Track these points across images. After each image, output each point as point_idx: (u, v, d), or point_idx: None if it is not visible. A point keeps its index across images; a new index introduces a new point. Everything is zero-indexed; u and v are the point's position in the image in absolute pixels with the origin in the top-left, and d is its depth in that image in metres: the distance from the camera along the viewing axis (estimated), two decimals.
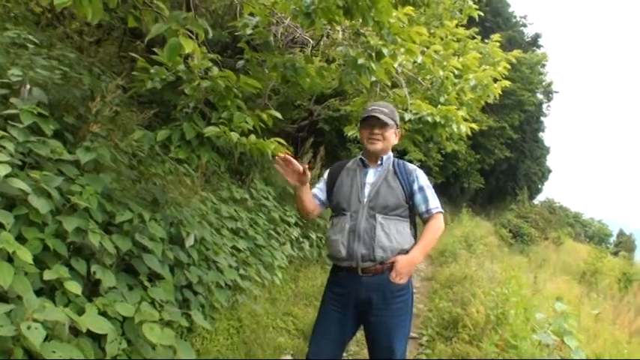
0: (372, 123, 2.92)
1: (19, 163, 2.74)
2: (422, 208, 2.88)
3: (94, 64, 5.16)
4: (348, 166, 3.07)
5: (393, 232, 2.78)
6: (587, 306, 9.60)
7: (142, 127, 4.76)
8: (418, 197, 2.89)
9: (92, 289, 2.80)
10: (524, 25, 30.18)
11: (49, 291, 2.58)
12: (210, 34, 2.91)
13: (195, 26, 2.51)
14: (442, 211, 2.93)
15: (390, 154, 3.04)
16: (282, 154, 2.91)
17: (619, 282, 16.43)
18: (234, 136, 3.15)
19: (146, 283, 2.96)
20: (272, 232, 5.82)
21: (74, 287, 2.46)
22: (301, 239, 6.81)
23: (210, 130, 3.15)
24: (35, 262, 2.45)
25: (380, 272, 2.78)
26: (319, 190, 3.12)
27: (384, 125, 2.90)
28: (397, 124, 3.00)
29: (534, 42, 30.27)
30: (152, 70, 3.47)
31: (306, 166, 2.86)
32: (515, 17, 29.51)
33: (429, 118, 4.87)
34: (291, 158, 2.87)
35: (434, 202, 2.89)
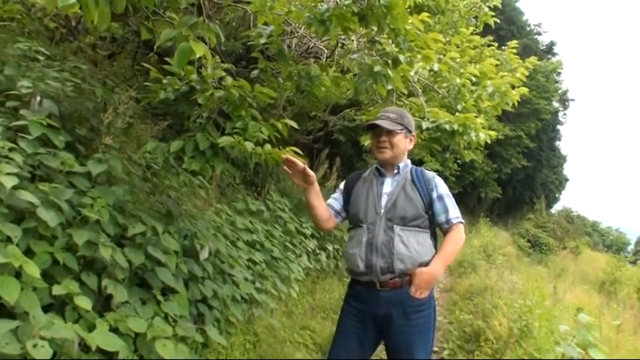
0: (378, 130, 2.81)
1: (28, 175, 2.68)
2: (442, 218, 2.75)
3: (108, 77, 5.14)
4: (365, 176, 2.96)
5: (412, 244, 2.66)
6: (608, 316, 9.38)
7: (156, 139, 4.72)
8: (437, 206, 2.75)
9: (104, 304, 2.72)
10: (539, 34, 30.05)
11: (59, 306, 2.50)
12: (223, 39, 2.84)
13: (206, 31, 2.44)
14: (462, 221, 2.79)
15: (408, 161, 2.91)
16: (285, 156, 2.82)
17: (638, 291, 16.10)
18: (249, 145, 3.07)
19: (159, 298, 2.87)
20: (288, 244, 5.73)
21: (84, 302, 2.38)
22: (318, 251, 6.70)
23: (224, 140, 3.07)
24: (45, 277, 2.38)
25: (399, 286, 2.66)
26: (334, 199, 3.02)
27: (389, 132, 2.78)
28: (409, 129, 2.86)
29: (549, 50, 30.07)
30: (165, 81, 3.42)
31: (305, 164, 2.78)
32: (529, 25, 29.36)
33: (447, 126, 4.75)
34: (294, 159, 2.79)
35: (454, 212, 2.75)
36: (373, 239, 2.69)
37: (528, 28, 29.00)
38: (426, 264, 2.67)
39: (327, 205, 2.99)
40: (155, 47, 2.70)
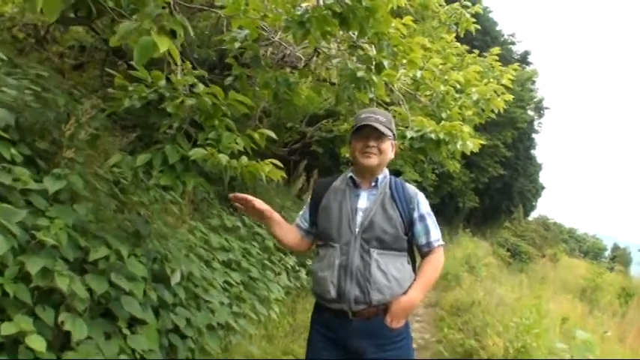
0: (365, 133, 2.46)
1: None
2: (422, 240, 2.47)
3: (75, 87, 4.83)
4: (336, 185, 2.58)
5: (390, 271, 2.36)
6: (592, 324, 9.29)
7: (125, 152, 4.42)
8: (418, 227, 2.47)
9: (63, 340, 2.41)
10: (513, 43, 30.21)
11: (11, 345, 2.19)
12: (192, 32, 2.56)
13: (172, 24, 2.15)
14: (443, 243, 2.52)
15: (386, 172, 2.58)
16: (232, 195, 2.52)
17: (619, 297, 16.13)
18: (223, 158, 2.78)
19: (125, 331, 2.56)
20: (267, 262, 5.45)
21: (38, 343, 2.09)
22: (297, 268, 6.43)
23: (196, 153, 2.79)
24: None
25: (373, 315, 2.37)
26: (302, 219, 2.68)
27: (380, 136, 2.45)
28: (394, 135, 2.56)
29: (524, 59, 30.25)
30: (131, 88, 3.12)
31: (252, 198, 2.50)
32: (503, 35, 29.54)
33: (433, 136, 4.52)
34: (245, 195, 2.49)
35: (435, 234, 2.48)
36: (347, 262, 2.37)
37: (502, 39, 29.18)
38: (405, 292, 2.40)
39: (295, 227, 2.68)
40: (110, 43, 2.39)
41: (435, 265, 2.47)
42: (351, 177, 2.54)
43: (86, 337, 2.39)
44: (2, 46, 5.03)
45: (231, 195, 2.53)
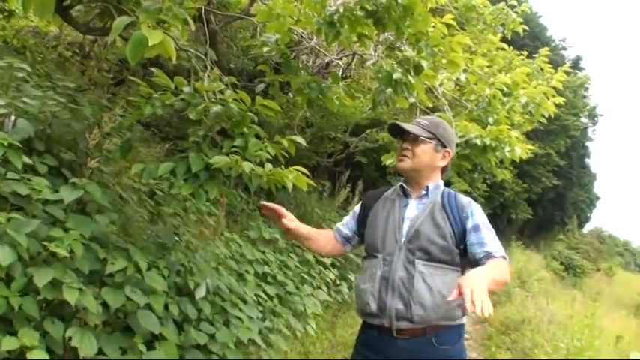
0: (403, 137, 2.31)
1: None
2: (478, 251, 2.12)
3: (111, 100, 4.81)
4: (387, 196, 2.40)
5: (437, 284, 2.09)
6: None
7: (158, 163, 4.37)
8: (473, 239, 2.15)
9: (75, 355, 2.28)
10: (564, 49, 29.48)
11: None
12: (192, 24, 2.41)
13: (171, 18, 2.00)
14: (506, 256, 2.16)
15: (440, 182, 2.34)
16: (262, 203, 2.39)
17: None
18: (247, 166, 2.62)
19: (140, 347, 2.42)
20: (305, 276, 5.26)
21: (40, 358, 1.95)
22: (339, 282, 6.19)
23: (218, 160, 2.64)
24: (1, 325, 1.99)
25: (420, 334, 2.11)
26: (343, 225, 2.52)
27: (415, 139, 2.25)
28: (442, 141, 2.29)
29: (576, 65, 29.37)
30: (155, 95, 3.01)
31: (282, 211, 2.36)
32: (554, 41, 28.80)
33: (478, 141, 4.26)
34: (275, 206, 2.35)
35: (494, 246, 2.12)
36: (390, 273, 2.15)
37: (553, 44, 28.43)
38: (454, 315, 2.13)
39: (332, 231, 2.53)
40: (109, 41, 2.27)
41: (499, 266, 2.04)
42: (401, 186, 2.36)
43: (99, 352, 2.27)
44: (42, 62, 5.10)
45: (260, 203, 2.40)
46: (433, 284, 2.09)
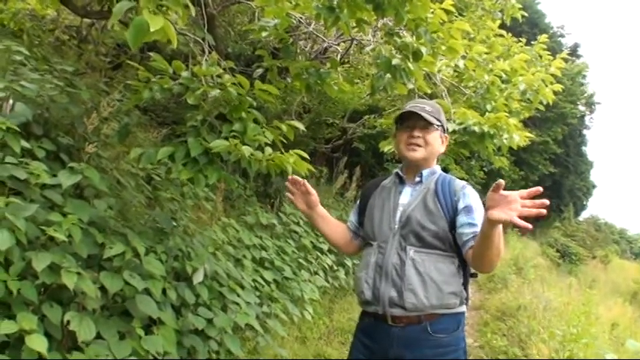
0: (411, 124, 2.23)
1: None
2: (466, 232, 2.06)
3: (108, 84, 4.79)
4: (384, 184, 2.39)
5: (429, 272, 2.08)
6: None
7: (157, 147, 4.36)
8: (463, 219, 2.09)
9: (73, 339, 2.28)
10: (562, 36, 29.31)
11: (15, 343, 2.09)
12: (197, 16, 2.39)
13: (171, 3, 1.99)
14: None
15: (436, 168, 2.31)
16: (291, 176, 2.37)
17: None
18: (247, 150, 2.62)
19: (138, 331, 2.42)
20: (302, 261, 5.27)
21: (38, 342, 1.95)
22: (336, 267, 6.21)
23: (217, 144, 2.63)
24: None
25: (416, 322, 2.10)
26: (350, 220, 2.51)
27: (427, 126, 2.21)
28: (444, 127, 2.30)
29: (574, 52, 29.25)
30: (153, 79, 2.99)
31: (305, 182, 2.33)
32: (552, 28, 28.66)
33: (476, 128, 4.24)
34: (299, 178, 2.34)
35: None
36: (383, 261, 2.15)
37: (551, 32, 28.31)
38: (453, 295, 2.11)
39: (345, 227, 2.51)
40: (110, 25, 2.26)
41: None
42: (396, 173, 2.34)
43: (97, 337, 2.28)
44: (39, 46, 5.07)
45: (289, 177, 2.38)
46: (424, 271, 2.08)
